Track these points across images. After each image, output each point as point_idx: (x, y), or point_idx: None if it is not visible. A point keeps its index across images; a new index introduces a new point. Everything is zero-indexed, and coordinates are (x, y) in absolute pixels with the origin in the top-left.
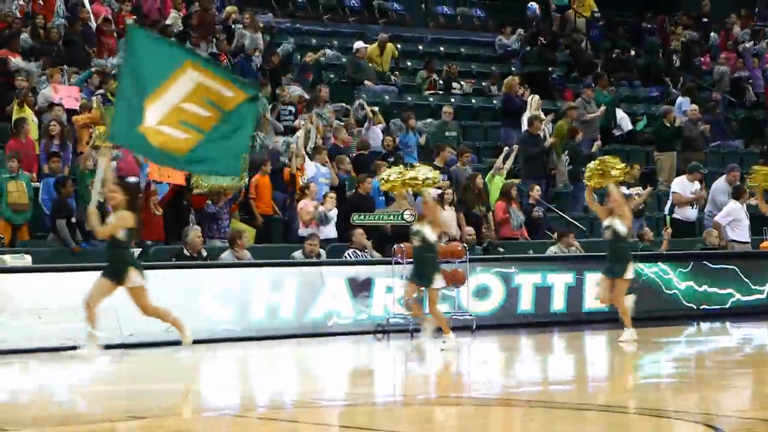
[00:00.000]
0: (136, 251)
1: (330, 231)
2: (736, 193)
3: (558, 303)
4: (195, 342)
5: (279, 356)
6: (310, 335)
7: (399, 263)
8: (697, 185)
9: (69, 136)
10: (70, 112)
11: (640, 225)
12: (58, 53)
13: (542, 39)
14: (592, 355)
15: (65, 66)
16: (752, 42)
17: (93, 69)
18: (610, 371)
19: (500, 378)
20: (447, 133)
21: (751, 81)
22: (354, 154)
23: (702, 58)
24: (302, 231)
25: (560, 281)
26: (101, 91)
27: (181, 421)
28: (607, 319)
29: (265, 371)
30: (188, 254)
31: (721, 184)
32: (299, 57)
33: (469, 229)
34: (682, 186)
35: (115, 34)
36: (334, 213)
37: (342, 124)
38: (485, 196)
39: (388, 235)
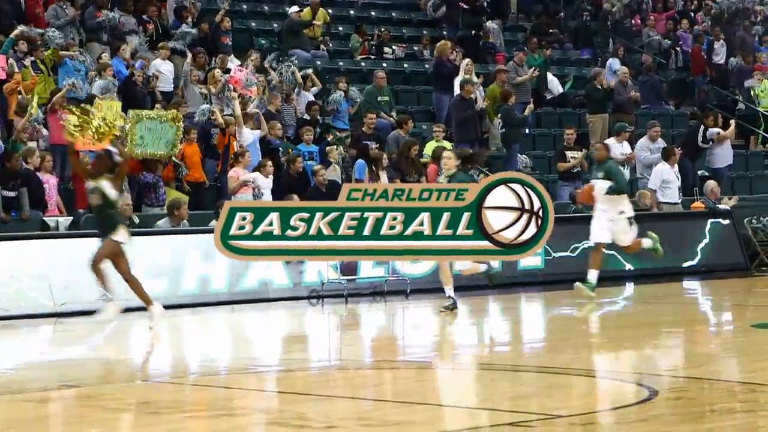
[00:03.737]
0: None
1: (266, 198)
2: (665, 155)
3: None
4: (126, 310)
5: (212, 323)
6: (243, 301)
7: None
8: (626, 146)
9: None
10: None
11: (575, 187)
12: None
13: (463, 4)
14: (526, 316)
15: None
16: (683, 3)
17: (14, 35)
18: (545, 332)
19: (435, 341)
20: (379, 98)
21: (680, 42)
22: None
23: (633, 20)
24: (234, 198)
25: None
26: (31, 58)
27: (115, 389)
28: (543, 281)
29: (199, 338)
30: None
31: (644, 142)
32: (231, 23)
33: None
34: (612, 148)
35: (42, 3)
36: (269, 181)
37: (274, 90)
38: (418, 162)
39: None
